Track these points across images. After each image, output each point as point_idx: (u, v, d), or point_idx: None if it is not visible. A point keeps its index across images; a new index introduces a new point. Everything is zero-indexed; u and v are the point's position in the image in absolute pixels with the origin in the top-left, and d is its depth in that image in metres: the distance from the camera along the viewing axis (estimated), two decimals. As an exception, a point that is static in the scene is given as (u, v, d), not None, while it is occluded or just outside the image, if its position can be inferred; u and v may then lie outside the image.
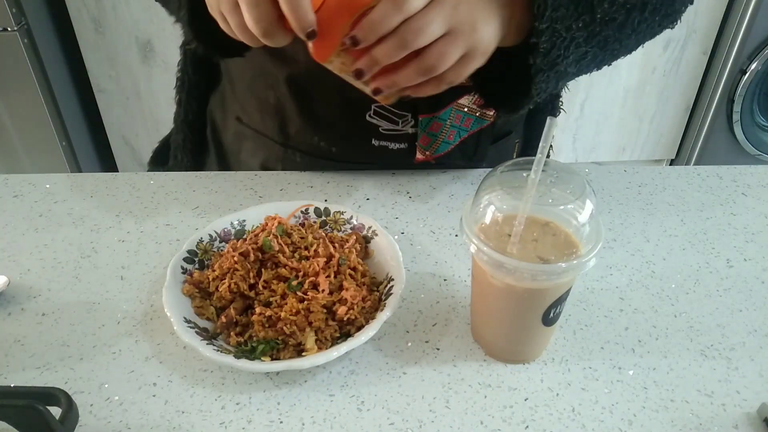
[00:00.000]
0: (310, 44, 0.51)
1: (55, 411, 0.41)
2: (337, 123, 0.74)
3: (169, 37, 1.80)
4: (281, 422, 0.48)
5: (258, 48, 0.63)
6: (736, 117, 2.04)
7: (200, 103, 0.85)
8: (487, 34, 0.52)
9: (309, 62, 0.60)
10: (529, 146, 0.86)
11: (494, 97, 0.64)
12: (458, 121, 0.72)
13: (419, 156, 0.74)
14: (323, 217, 0.65)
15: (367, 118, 0.71)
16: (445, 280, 0.62)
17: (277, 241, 0.58)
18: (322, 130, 0.74)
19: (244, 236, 0.61)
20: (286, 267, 0.57)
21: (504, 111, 0.65)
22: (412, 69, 0.51)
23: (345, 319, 0.53)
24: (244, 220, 0.64)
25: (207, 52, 0.63)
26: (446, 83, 0.53)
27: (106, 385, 0.51)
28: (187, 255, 0.60)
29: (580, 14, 0.55)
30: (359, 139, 0.74)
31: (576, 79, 0.65)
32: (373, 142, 0.73)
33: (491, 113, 0.72)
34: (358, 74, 0.51)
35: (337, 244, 0.60)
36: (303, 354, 0.51)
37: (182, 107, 0.85)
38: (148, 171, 0.88)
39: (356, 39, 0.49)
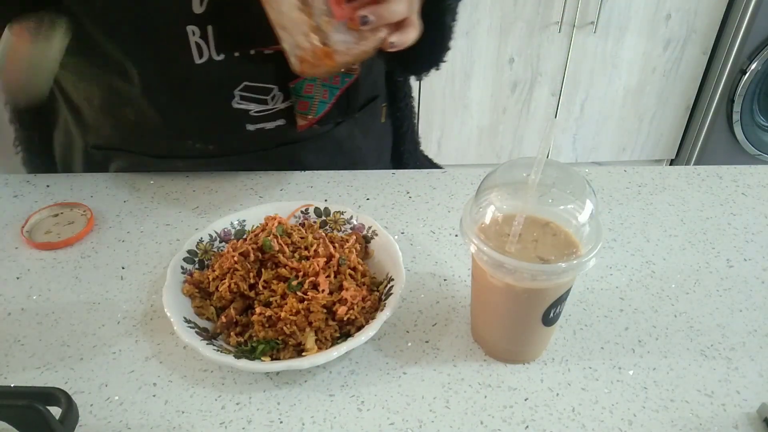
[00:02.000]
0: None
1: (55, 411, 0.41)
2: (205, 120, 0.72)
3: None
4: (281, 422, 0.48)
5: (102, 68, 0.68)
6: (736, 117, 2.03)
7: (44, 148, 0.82)
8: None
9: (161, 69, 0.66)
10: (394, 108, 0.88)
11: (409, 62, 0.73)
12: (327, 79, 0.72)
13: (301, 122, 0.73)
14: (323, 217, 0.65)
15: (234, 105, 0.70)
16: (445, 280, 0.62)
17: (277, 241, 0.58)
18: (193, 131, 0.73)
19: (244, 236, 0.61)
20: (286, 267, 0.57)
21: (423, 70, 0.75)
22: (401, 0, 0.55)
23: (345, 319, 0.53)
24: (244, 220, 0.64)
25: None
26: (417, 30, 0.59)
27: (106, 385, 0.51)
28: (187, 255, 0.60)
29: None
30: (232, 129, 0.72)
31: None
32: (248, 128, 0.72)
33: (356, 67, 0.73)
34: None
35: (337, 244, 0.60)
36: (303, 354, 0.51)
37: (27, 165, 0.83)
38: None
39: None
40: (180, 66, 0.66)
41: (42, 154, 0.82)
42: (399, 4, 0.55)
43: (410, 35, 0.58)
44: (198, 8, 0.62)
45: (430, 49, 0.71)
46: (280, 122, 0.73)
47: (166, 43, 0.65)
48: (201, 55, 0.65)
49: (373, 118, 0.84)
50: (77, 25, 0.63)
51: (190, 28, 0.63)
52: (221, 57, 0.66)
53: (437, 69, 0.74)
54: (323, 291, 0.55)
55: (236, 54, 0.66)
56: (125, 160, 0.77)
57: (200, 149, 0.74)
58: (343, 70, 0.64)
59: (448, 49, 0.72)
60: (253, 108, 0.71)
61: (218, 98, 0.69)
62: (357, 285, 0.56)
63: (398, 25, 0.57)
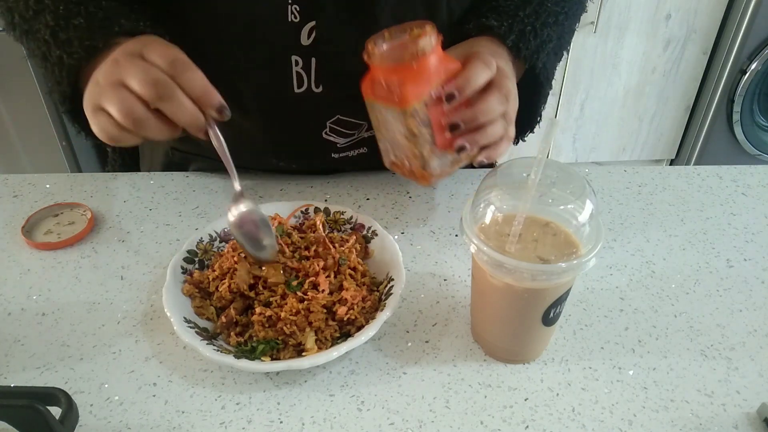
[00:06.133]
0: (393, 87, 0.55)
1: (55, 411, 0.41)
2: (294, 144, 0.73)
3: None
4: (281, 422, 0.48)
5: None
6: (736, 117, 2.03)
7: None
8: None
9: (255, 78, 0.67)
10: None
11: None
12: None
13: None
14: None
15: (324, 136, 0.71)
16: (445, 280, 0.62)
17: (277, 242, 0.58)
18: (280, 152, 0.74)
19: (244, 236, 0.61)
20: (286, 267, 0.57)
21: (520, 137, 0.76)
22: (499, 124, 0.58)
23: (345, 319, 0.53)
24: (244, 220, 0.64)
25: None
26: (511, 140, 0.61)
27: (106, 385, 0.51)
28: (187, 255, 0.60)
29: (557, 57, 0.67)
30: (318, 155, 0.74)
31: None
32: (333, 155, 0.73)
33: None
34: (454, 127, 0.56)
35: (337, 244, 0.60)
36: (303, 354, 0.51)
37: (116, 151, 0.84)
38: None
39: (453, 94, 0.55)
40: (279, 91, 0.67)
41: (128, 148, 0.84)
42: (496, 128, 0.57)
43: (501, 149, 0.60)
44: (305, 40, 0.64)
45: (517, 130, 0.70)
46: (364, 150, 0.74)
47: (269, 68, 0.66)
48: (300, 85, 0.67)
49: None
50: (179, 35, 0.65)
51: (294, 58, 0.65)
52: (319, 89, 0.67)
53: (515, 144, 0.75)
54: (323, 291, 0.55)
55: (334, 88, 0.67)
56: (204, 162, 0.78)
57: (284, 167, 0.76)
58: None
59: (531, 131, 0.75)
60: (341, 141, 0.72)
61: (310, 127, 0.71)
62: (357, 285, 0.56)
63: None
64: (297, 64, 0.65)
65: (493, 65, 0.57)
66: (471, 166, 0.60)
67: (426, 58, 0.53)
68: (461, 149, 0.57)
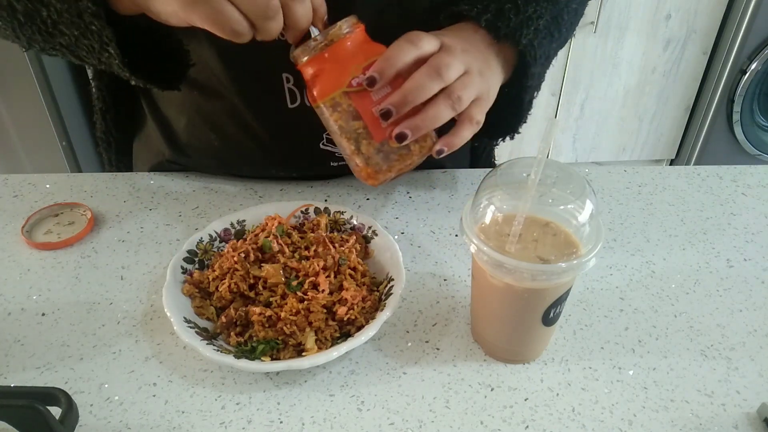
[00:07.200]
0: (312, 82, 0.52)
1: (55, 411, 0.41)
2: (292, 155, 0.73)
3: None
4: (281, 422, 0.48)
5: (192, 87, 0.68)
6: (736, 117, 2.03)
7: (127, 151, 0.84)
8: (493, 80, 0.57)
9: (249, 97, 0.66)
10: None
11: (490, 129, 0.65)
12: None
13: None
14: (323, 217, 0.65)
15: (321, 146, 0.71)
16: (445, 280, 0.62)
17: (277, 242, 0.58)
18: (278, 162, 0.74)
19: (244, 236, 0.61)
20: (285, 267, 0.57)
21: (497, 137, 0.73)
22: (440, 103, 0.52)
23: (345, 319, 0.53)
24: (244, 220, 0.64)
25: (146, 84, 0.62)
26: (475, 123, 0.55)
27: (106, 385, 0.51)
28: (187, 255, 0.60)
29: (552, 37, 0.62)
30: (317, 165, 0.74)
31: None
32: (331, 164, 0.73)
33: None
34: (386, 114, 0.52)
35: (337, 244, 0.60)
36: (303, 354, 0.51)
37: (114, 165, 0.85)
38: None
39: (373, 78, 0.51)
40: (273, 107, 0.68)
41: (123, 155, 0.84)
42: (439, 109, 0.52)
43: (462, 135, 0.54)
44: None
45: (505, 121, 0.67)
46: None
47: (262, 85, 0.66)
48: (294, 101, 0.67)
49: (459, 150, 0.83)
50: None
51: (285, 75, 0.65)
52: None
53: (512, 138, 0.72)
54: (323, 291, 0.55)
55: None
56: (202, 174, 0.78)
57: (283, 176, 0.76)
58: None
59: (524, 121, 0.70)
60: (338, 150, 0.71)
61: (307, 139, 0.71)
62: (357, 285, 0.56)
63: (449, 125, 0.54)
64: (288, 81, 0.65)
65: (422, 42, 0.52)
66: (434, 163, 0.57)
67: (336, 46, 0.51)
68: (400, 137, 0.52)
